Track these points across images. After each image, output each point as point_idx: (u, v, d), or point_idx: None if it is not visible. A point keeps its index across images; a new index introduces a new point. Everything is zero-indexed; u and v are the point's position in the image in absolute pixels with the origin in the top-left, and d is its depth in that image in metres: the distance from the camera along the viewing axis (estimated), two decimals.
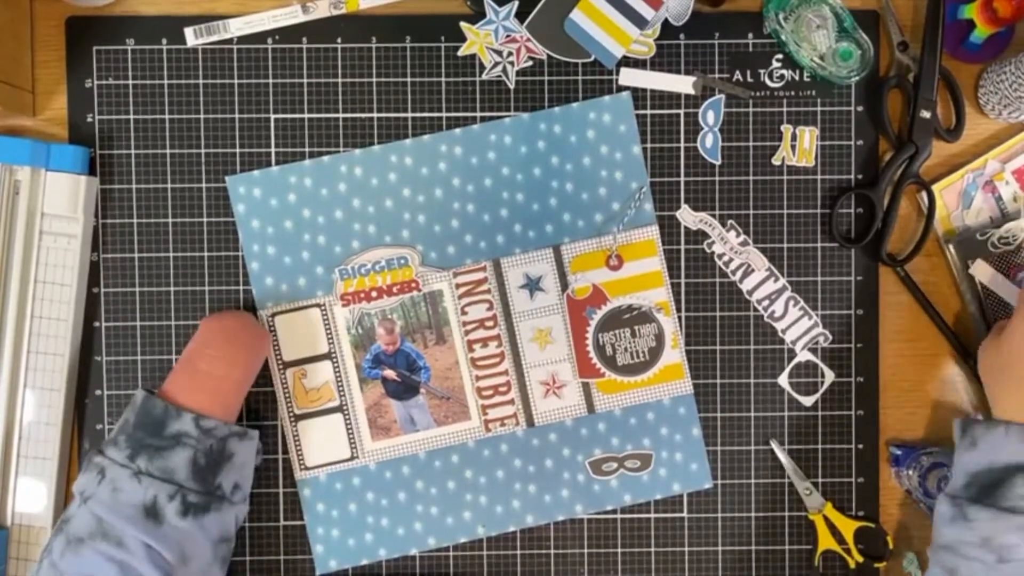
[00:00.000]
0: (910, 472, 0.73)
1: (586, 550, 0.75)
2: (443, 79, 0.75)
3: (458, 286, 0.74)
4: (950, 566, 0.64)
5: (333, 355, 0.74)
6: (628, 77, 0.74)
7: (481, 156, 0.74)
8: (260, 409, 0.74)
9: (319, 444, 0.74)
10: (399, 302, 0.74)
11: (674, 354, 0.75)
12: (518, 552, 0.75)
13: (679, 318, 0.75)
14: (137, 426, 0.65)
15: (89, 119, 0.74)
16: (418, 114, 0.74)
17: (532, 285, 0.74)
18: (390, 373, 0.74)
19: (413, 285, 0.74)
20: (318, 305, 0.74)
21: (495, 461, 0.74)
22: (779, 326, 0.75)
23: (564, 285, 0.74)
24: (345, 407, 0.74)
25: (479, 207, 0.74)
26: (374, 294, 0.74)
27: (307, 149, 0.74)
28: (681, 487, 0.75)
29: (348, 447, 0.74)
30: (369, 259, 0.74)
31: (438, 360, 0.74)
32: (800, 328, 0.75)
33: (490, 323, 0.74)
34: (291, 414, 0.74)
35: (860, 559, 0.74)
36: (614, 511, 0.75)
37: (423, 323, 0.74)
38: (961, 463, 0.66)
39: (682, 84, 0.74)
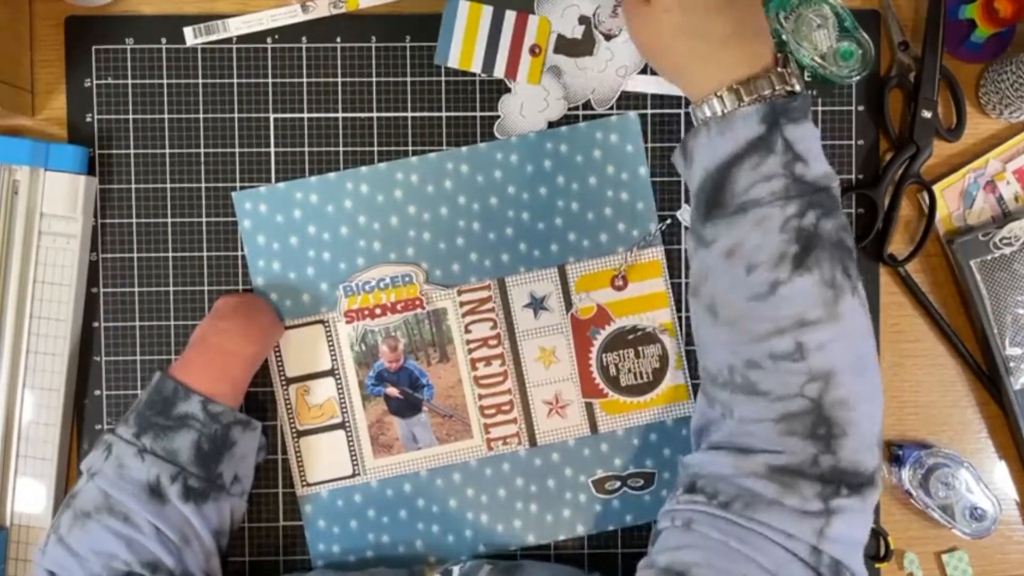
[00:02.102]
0: (911, 472, 0.73)
1: (586, 551, 0.75)
2: (443, 78, 0.74)
3: (462, 304, 0.74)
4: (708, 300, 0.59)
5: (336, 372, 0.74)
6: (629, 82, 0.74)
7: (487, 174, 0.74)
8: (260, 413, 0.74)
9: (321, 461, 0.74)
10: (403, 320, 0.74)
11: (678, 375, 0.74)
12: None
13: (679, 316, 0.75)
14: (147, 404, 0.65)
15: (88, 119, 0.74)
16: (417, 113, 0.74)
17: (536, 304, 0.74)
18: (393, 390, 0.74)
19: (417, 303, 0.73)
20: (322, 322, 0.74)
21: (497, 480, 0.74)
22: None
23: (568, 305, 0.74)
24: (347, 424, 0.74)
25: (484, 225, 0.74)
26: (378, 311, 0.73)
27: (306, 149, 0.74)
28: None
29: (350, 464, 0.74)
30: (374, 276, 0.73)
31: (441, 378, 0.74)
32: None
33: (494, 342, 0.74)
34: (293, 430, 0.74)
35: None
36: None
37: (427, 341, 0.74)
38: (689, 187, 0.61)
39: None
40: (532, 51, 0.73)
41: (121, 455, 0.63)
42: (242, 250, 0.74)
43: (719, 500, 0.56)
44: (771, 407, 0.56)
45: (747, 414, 0.58)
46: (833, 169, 0.59)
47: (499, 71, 0.73)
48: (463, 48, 0.73)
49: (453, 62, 0.73)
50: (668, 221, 0.74)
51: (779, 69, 0.58)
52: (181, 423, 0.64)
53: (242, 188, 0.74)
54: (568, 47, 0.73)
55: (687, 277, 0.74)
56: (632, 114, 0.74)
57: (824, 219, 0.56)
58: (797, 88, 0.58)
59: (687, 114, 0.75)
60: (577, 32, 0.73)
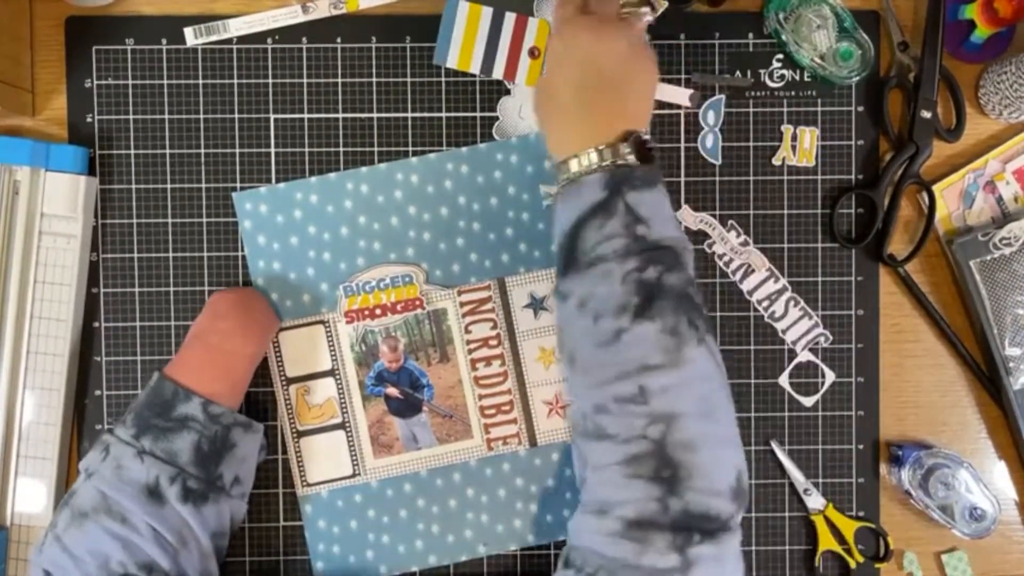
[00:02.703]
0: (910, 472, 0.73)
1: None
2: (443, 79, 0.74)
3: (462, 304, 0.74)
4: (568, 350, 0.62)
5: (336, 372, 0.74)
6: None
7: (487, 175, 0.74)
8: (260, 413, 0.74)
9: (321, 461, 0.74)
10: (403, 320, 0.74)
11: None
12: (518, 569, 0.75)
13: None
14: (146, 406, 0.65)
15: (89, 119, 0.74)
16: (417, 114, 0.74)
17: (536, 304, 0.74)
18: (393, 391, 0.74)
19: (417, 303, 0.74)
20: (322, 322, 0.74)
21: (497, 480, 0.74)
22: (779, 326, 0.75)
23: None
24: (347, 424, 0.74)
25: (484, 226, 0.74)
26: (378, 311, 0.74)
27: (307, 149, 0.74)
28: None
29: (350, 464, 0.74)
30: (374, 276, 0.73)
31: (441, 378, 0.74)
32: (800, 328, 0.75)
33: (494, 342, 0.74)
34: (294, 430, 0.74)
35: (860, 559, 0.74)
36: None
37: (427, 341, 0.74)
38: (554, 247, 0.64)
39: (680, 96, 0.74)
40: (531, 53, 0.73)
41: (119, 456, 0.63)
42: (242, 250, 0.74)
43: (586, 572, 0.57)
44: (617, 450, 0.57)
45: (598, 459, 0.59)
46: (684, 234, 0.62)
47: (498, 72, 0.73)
48: (462, 49, 0.73)
49: (452, 62, 0.73)
50: None
51: (623, 145, 0.61)
52: (181, 425, 0.64)
53: (242, 188, 0.74)
54: None
55: None
56: None
57: (668, 274, 0.59)
58: (634, 161, 0.61)
59: (686, 115, 0.75)
60: None
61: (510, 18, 0.73)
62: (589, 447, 0.60)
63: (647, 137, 0.62)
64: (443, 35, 0.73)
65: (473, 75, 0.74)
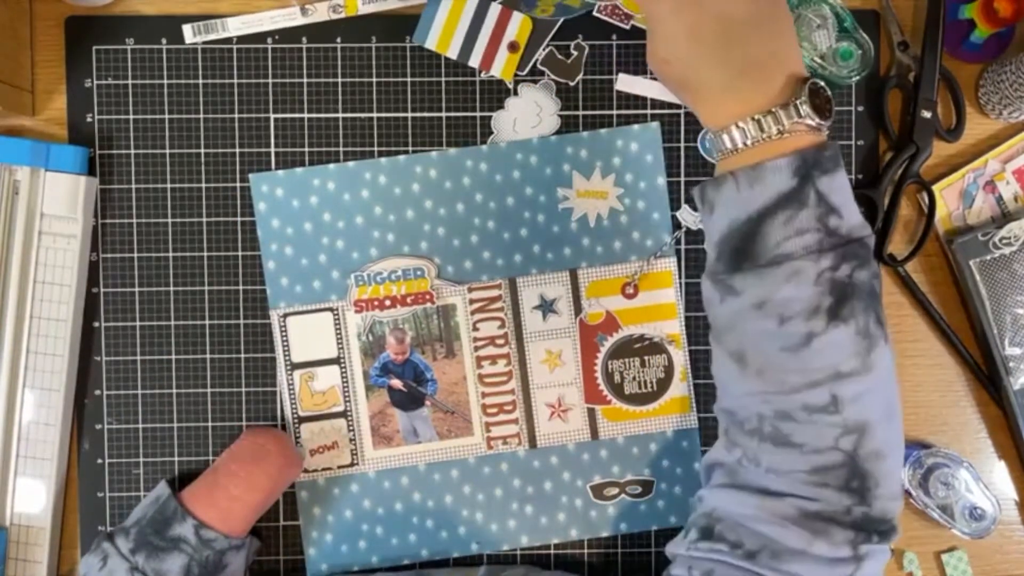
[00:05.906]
0: (910, 472, 0.73)
1: (585, 550, 0.75)
2: (443, 79, 0.74)
3: (472, 302, 0.74)
4: (735, 348, 0.57)
5: (342, 360, 0.74)
6: (625, 84, 0.74)
7: (506, 174, 0.74)
8: (262, 408, 0.74)
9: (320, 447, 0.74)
10: (412, 313, 0.74)
11: (682, 387, 0.74)
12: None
13: (680, 320, 0.75)
14: (149, 521, 0.66)
15: (89, 119, 0.74)
16: (418, 114, 0.74)
17: (546, 306, 0.74)
18: (397, 383, 0.74)
19: (427, 297, 0.74)
20: (331, 309, 0.74)
21: (494, 479, 0.74)
22: None
23: (578, 309, 0.74)
24: (349, 413, 0.74)
25: (499, 224, 0.74)
26: (388, 303, 0.74)
27: (307, 149, 0.74)
28: (678, 520, 0.75)
29: (349, 453, 0.74)
30: (386, 267, 0.73)
31: (446, 374, 0.74)
32: None
33: (501, 341, 0.74)
34: (295, 415, 0.74)
35: None
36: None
37: (434, 336, 0.74)
38: (708, 235, 0.58)
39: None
40: (511, 47, 0.73)
41: (114, 570, 0.64)
42: (243, 250, 0.74)
43: (745, 550, 0.54)
44: (803, 459, 0.55)
45: (777, 464, 0.56)
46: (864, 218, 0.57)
47: (474, 61, 0.73)
48: (443, 32, 0.73)
49: (431, 44, 0.73)
50: (683, 229, 0.74)
51: (800, 102, 0.54)
52: (174, 545, 0.64)
53: (242, 188, 0.74)
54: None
55: (686, 262, 0.75)
56: (654, 125, 0.74)
57: (859, 270, 0.54)
58: (825, 123, 0.55)
59: (686, 115, 0.75)
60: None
61: (495, 9, 0.72)
62: (764, 450, 0.56)
63: (821, 84, 0.55)
64: (426, 16, 0.73)
65: (474, 75, 0.74)
